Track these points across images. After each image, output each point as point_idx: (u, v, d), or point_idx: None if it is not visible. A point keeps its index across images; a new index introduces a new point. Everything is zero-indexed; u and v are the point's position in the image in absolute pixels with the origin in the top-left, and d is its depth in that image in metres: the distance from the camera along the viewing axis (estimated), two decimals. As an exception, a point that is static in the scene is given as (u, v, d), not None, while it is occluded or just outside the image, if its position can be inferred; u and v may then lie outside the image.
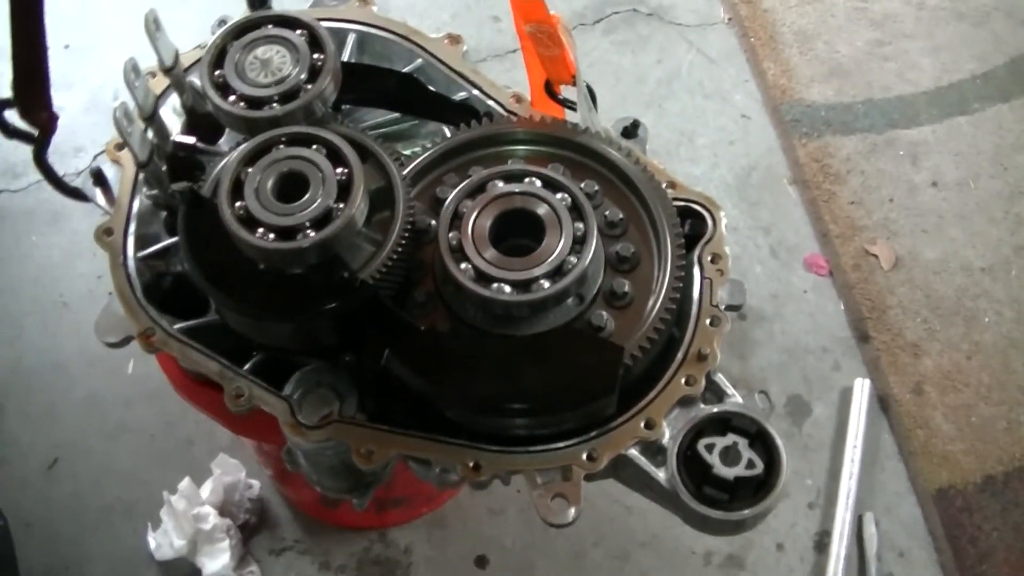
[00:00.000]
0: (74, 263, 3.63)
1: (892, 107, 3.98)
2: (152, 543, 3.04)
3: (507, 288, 1.72)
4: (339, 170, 1.73)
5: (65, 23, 4.09)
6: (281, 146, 1.77)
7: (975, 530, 3.16)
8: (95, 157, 3.77)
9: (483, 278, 1.73)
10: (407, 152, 2.05)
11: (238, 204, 1.71)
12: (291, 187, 1.73)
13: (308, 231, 1.69)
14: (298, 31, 1.94)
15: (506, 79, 3.73)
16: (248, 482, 3.16)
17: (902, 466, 3.33)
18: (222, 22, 2.06)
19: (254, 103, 1.87)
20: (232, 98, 1.88)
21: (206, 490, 3.08)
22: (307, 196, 1.71)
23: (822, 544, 3.19)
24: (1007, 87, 4.04)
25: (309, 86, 1.88)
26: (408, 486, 2.74)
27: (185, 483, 3.05)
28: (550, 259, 1.73)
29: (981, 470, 3.26)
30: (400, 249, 1.77)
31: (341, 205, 1.70)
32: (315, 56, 1.91)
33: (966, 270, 3.61)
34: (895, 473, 3.33)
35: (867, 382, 3.41)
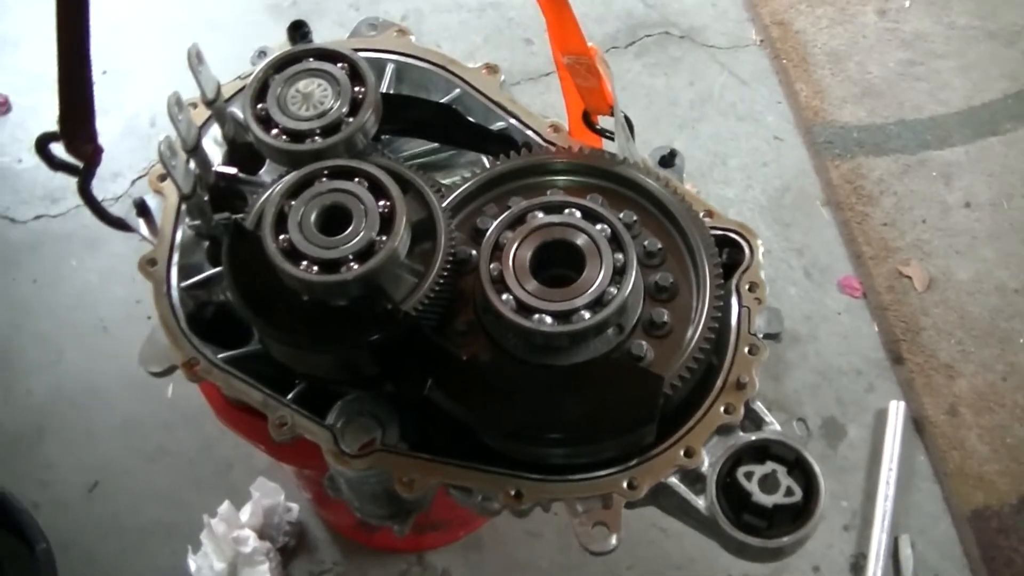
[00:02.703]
0: (112, 287, 3.66)
1: (924, 128, 3.99)
2: (192, 566, 3.07)
3: (548, 319, 1.71)
4: (381, 202, 1.74)
5: (101, 50, 4.07)
6: (323, 179, 1.78)
7: (1011, 551, 3.16)
8: (133, 182, 3.82)
9: (524, 309, 1.73)
10: (446, 182, 2.07)
11: (282, 237, 1.72)
12: (334, 220, 1.74)
13: (351, 263, 1.70)
14: (339, 64, 1.95)
15: (540, 102, 3.77)
16: (287, 505, 3.18)
17: (937, 487, 3.34)
18: (262, 53, 2.08)
19: (296, 136, 1.89)
20: (275, 131, 1.89)
21: (245, 513, 3.10)
22: (350, 229, 1.72)
23: (858, 566, 3.20)
24: (1039, 107, 4.04)
25: (351, 119, 1.89)
26: (446, 510, 2.74)
27: (225, 506, 3.07)
28: (590, 290, 1.72)
29: (1016, 491, 3.25)
30: (442, 280, 1.77)
31: (384, 237, 1.71)
32: (356, 89, 1.92)
33: (1000, 291, 3.60)
34: (930, 495, 3.33)
35: (901, 404, 3.42)
